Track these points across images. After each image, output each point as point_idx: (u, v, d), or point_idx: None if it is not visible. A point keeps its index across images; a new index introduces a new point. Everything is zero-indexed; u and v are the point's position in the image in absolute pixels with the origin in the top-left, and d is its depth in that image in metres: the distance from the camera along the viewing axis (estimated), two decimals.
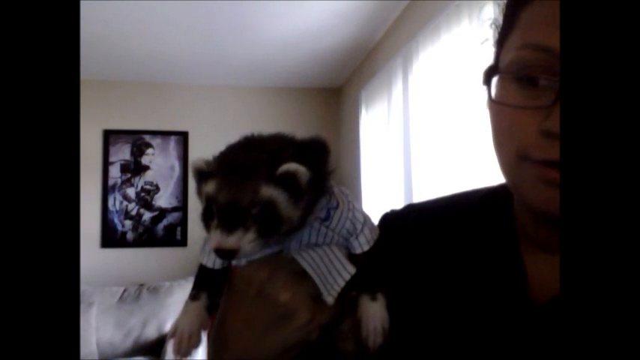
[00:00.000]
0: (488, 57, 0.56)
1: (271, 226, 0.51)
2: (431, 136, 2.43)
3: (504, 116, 0.50)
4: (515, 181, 0.51)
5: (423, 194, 2.49)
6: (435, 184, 2.37)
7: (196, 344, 0.58)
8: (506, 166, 0.52)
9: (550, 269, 0.53)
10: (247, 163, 0.51)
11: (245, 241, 0.49)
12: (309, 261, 0.56)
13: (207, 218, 0.52)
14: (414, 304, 0.61)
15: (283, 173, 0.50)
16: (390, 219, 0.69)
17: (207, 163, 0.54)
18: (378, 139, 3.27)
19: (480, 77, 0.53)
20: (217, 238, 0.49)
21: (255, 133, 0.56)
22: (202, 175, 0.54)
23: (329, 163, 0.57)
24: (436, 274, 0.61)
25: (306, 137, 0.57)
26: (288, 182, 0.51)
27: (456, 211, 0.65)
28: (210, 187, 0.52)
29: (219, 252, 0.50)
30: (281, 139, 0.56)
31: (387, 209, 0.72)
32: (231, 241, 0.49)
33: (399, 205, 0.74)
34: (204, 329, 0.59)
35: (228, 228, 0.49)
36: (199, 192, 0.54)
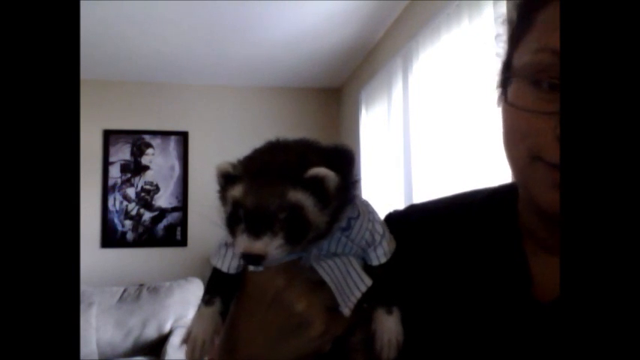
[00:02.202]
0: (486, 58, 0.56)
1: (299, 231, 0.49)
2: (431, 136, 2.43)
3: (518, 118, 0.50)
4: (526, 181, 0.51)
5: (423, 194, 2.49)
6: (435, 184, 2.37)
7: (210, 350, 0.56)
8: (517, 166, 0.52)
9: (554, 269, 0.53)
10: (274, 166, 0.50)
11: (272, 247, 0.48)
12: (327, 271, 0.54)
13: (232, 223, 0.51)
14: (418, 303, 0.61)
15: (312, 177, 0.49)
16: (394, 219, 0.69)
17: (234, 166, 0.53)
18: (378, 139, 3.27)
19: (490, 78, 0.52)
20: (244, 243, 0.48)
21: (280, 138, 0.55)
22: (228, 179, 0.52)
23: (355, 171, 0.56)
24: (440, 274, 0.61)
25: (332, 144, 0.56)
26: (316, 187, 0.49)
27: (458, 212, 0.65)
28: (237, 191, 0.50)
29: (246, 257, 0.48)
30: (307, 144, 0.55)
31: (388, 209, 0.72)
32: (258, 246, 0.47)
33: (399, 205, 0.74)
34: (218, 335, 0.57)
35: (255, 233, 0.48)
36: (223, 196, 0.53)
